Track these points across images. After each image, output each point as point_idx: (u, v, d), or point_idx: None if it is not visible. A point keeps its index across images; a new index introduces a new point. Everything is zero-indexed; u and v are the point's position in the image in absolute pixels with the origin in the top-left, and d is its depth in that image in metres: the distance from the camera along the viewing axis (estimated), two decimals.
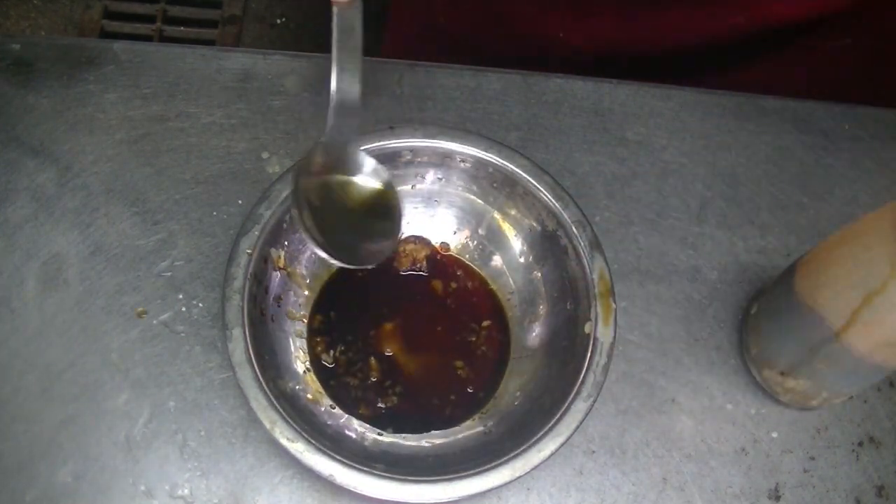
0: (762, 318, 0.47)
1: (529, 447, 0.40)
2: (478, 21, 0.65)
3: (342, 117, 0.41)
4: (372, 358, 0.47)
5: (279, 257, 0.46)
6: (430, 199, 0.50)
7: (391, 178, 0.43)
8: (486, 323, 0.48)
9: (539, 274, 0.48)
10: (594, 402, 0.41)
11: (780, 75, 0.62)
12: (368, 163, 0.43)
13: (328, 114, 0.41)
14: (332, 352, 0.47)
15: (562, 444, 0.40)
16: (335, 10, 0.40)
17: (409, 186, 0.49)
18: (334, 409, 0.45)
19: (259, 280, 0.44)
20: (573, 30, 0.61)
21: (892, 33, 0.58)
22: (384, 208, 0.43)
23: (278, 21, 1.41)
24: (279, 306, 0.46)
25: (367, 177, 0.43)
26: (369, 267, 0.43)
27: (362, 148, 0.44)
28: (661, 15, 0.59)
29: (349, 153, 0.43)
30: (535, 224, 0.48)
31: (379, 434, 0.45)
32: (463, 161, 0.48)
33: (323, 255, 0.40)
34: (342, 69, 0.40)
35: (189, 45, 0.59)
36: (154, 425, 0.45)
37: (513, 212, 0.49)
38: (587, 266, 0.45)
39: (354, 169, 0.43)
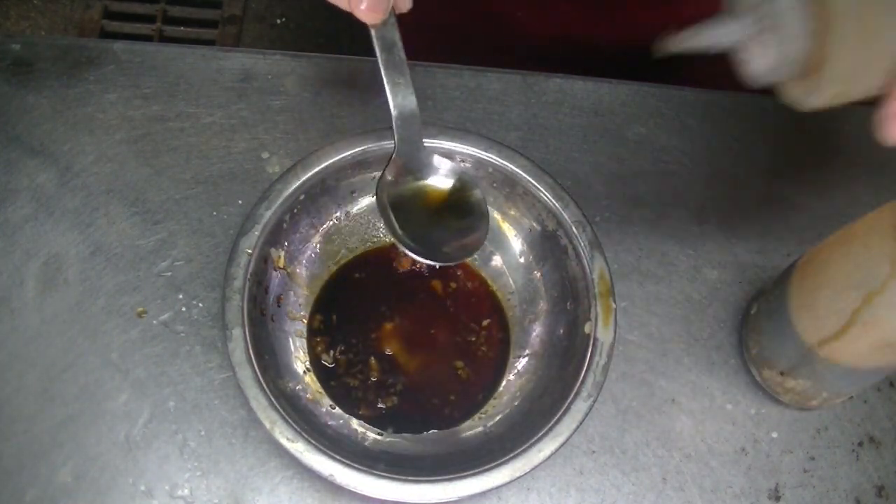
0: (762, 318, 0.47)
1: (529, 447, 0.40)
2: (447, 3, 0.65)
3: (405, 129, 0.43)
4: (372, 358, 0.47)
5: (279, 257, 0.46)
6: None
7: (468, 173, 0.45)
8: (486, 323, 0.48)
9: (539, 274, 0.48)
10: (594, 402, 0.42)
11: None
12: (444, 164, 0.45)
13: (393, 130, 0.43)
14: (332, 352, 0.47)
15: (562, 444, 0.40)
16: (373, 31, 0.41)
17: None
18: (334, 409, 0.45)
19: (259, 280, 0.44)
20: (539, 20, 0.61)
21: None
22: (467, 203, 0.44)
23: (278, 21, 1.40)
24: (279, 306, 0.46)
25: (444, 177, 0.45)
26: (465, 259, 0.48)
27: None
28: (626, 10, 0.59)
29: (422, 159, 0.44)
30: (535, 224, 0.48)
31: (379, 434, 0.45)
32: (463, 161, 0.48)
33: (419, 259, 0.42)
34: (395, 84, 0.42)
35: (189, 45, 0.59)
36: (154, 425, 0.45)
37: (513, 212, 0.49)
38: (587, 266, 0.45)
39: (430, 172, 0.45)
